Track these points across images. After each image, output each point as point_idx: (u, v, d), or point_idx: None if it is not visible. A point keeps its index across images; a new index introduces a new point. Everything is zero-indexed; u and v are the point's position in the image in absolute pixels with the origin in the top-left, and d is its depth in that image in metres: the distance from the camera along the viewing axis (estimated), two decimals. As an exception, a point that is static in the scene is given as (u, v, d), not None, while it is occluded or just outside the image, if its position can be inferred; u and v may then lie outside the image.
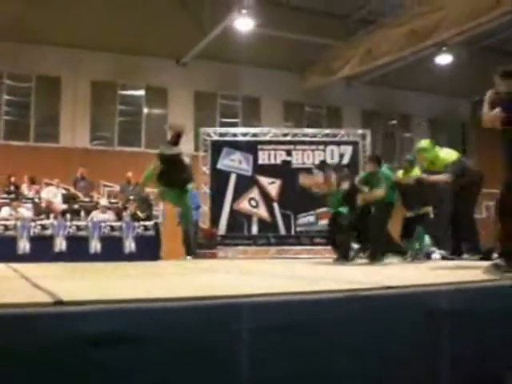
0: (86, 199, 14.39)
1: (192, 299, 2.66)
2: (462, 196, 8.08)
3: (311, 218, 15.29)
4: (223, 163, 15.81)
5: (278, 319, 2.67)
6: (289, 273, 5.96)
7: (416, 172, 8.94)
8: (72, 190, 14.76)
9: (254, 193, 15.78)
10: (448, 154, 8.54)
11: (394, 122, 23.23)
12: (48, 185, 14.94)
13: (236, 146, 15.93)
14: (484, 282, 3.92)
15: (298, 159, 15.94)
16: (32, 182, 14.86)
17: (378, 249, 8.48)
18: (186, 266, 8.84)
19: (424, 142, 8.80)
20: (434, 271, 6.00)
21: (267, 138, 16.20)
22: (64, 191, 14.73)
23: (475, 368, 3.23)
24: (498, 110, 4.71)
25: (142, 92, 19.56)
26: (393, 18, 16.73)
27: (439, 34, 15.28)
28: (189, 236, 13.27)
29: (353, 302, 2.98)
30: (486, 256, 7.48)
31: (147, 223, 13.05)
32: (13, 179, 14.74)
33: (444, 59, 18.88)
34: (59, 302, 2.41)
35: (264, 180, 15.81)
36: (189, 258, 12.98)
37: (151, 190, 15.38)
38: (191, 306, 2.57)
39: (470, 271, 5.62)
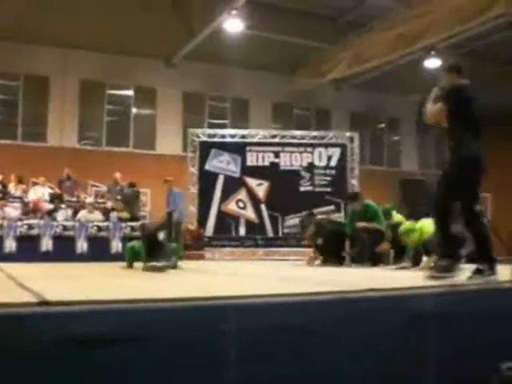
0: (73, 199, 14.30)
1: (179, 300, 2.66)
2: None
3: (298, 220, 15.27)
4: (211, 164, 15.80)
5: (266, 320, 2.67)
6: (276, 274, 5.97)
7: (398, 218, 9.66)
8: (57, 189, 14.64)
9: (242, 194, 15.79)
10: (430, 226, 8.58)
11: (383, 125, 23.30)
12: (35, 184, 14.82)
13: (224, 147, 15.93)
14: (469, 286, 3.94)
15: (285, 161, 15.97)
16: (19, 181, 14.76)
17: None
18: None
19: (408, 224, 8.96)
20: (420, 275, 6.02)
21: (256, 139, 16.21)
22: (50, 190, 14.63)
23: (461, 370, 3.24)
24: (440, 104, 4.75)
25: (130, 92, 19.51)
26: (382, 21, 16.78)
27: (428, 37, 15.35)
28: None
29: (338, 303, 2.99)
30: (472, 259, 7.49)
31: (134, 224, 12.99)
32: (0, 178, 14.62)
33: (433, 63, 18.94)
34: (44, 303, 2.40)
35: (252, 181, 15.82)
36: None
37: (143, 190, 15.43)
38: (178, 307, 2.57)
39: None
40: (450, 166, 4.67)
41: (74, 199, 14.26)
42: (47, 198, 14.07)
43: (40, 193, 14.17)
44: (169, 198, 14.08)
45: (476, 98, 4.76)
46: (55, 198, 13.94)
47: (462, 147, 4.58)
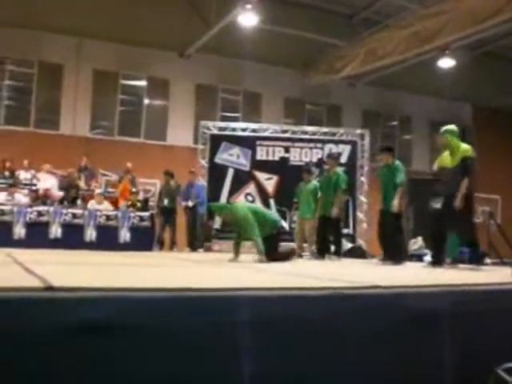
0: (84, 187, 14.34)
1: (183, 290, 2.68)
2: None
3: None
4: (221, 157, 15.78)
5: (271, 313, 2.68)
6: (282, 269, 5.98)
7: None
8: (76, 175, 14.56)
9: (251, 188, 15.77)
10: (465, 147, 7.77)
11: (395, 123, 23.23)
12: (40, 170, 14.69)
13: (235, 140, 15.90)
14: (475, 285, 3.94)
15: (295, 156, 15.92)
16: (30, 167, 14.80)
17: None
18: (180, 257, 8.86)
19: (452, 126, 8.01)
20: (426, 272, 6.02)
21: (266, 134, 16.19)
22: (59, 178, 14.61)
23: (467, 369, 3.24)
24: None
25: (143, 83, 19.54)
26: (397, 19, 16.75)
27: (442, 37, 15.29)
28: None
29: (343, 299, 3.00)
30: (478, 260, 7.46)
31: (143, 214, 13.03)
32: (7, 164, 14.61)
33: (446, 63, 18.88)
34: (50, 288, 2.42)
35: (261, 176, 15.79)
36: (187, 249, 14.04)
37: (152, 181, 15.45)
38: (183, 297, 2.58)
39: (460, 273, 5.65)
40: None
41: (86, 188, 14.30)
42: (53, 185, 14.06)
43: (46, 180, 14.17)
44: (190, 190, 14.35)
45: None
46: (69, 187, 13.94)
47: None
